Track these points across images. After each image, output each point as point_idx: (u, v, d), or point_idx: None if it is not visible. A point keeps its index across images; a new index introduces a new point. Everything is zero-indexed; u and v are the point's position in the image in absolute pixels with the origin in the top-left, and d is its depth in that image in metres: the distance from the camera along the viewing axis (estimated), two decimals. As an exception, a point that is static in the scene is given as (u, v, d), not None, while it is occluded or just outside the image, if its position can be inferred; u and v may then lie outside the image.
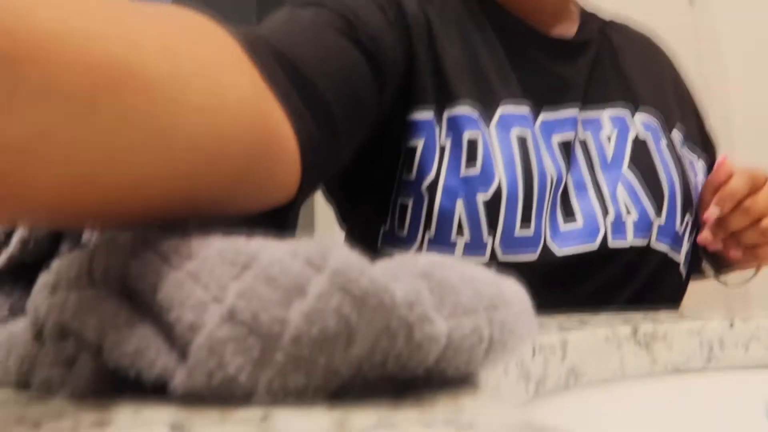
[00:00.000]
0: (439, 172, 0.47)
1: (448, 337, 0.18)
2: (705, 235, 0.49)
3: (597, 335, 0.37)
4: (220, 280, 0.17)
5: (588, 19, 0.55)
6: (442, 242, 0.46)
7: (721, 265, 0.57)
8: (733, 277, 0.56)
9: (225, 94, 0.22)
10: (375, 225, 0.51)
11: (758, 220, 0.47)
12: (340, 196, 0.55)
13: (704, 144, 0.60)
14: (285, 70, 0.31)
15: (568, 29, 0.54)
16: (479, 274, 0.20)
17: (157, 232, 0.20)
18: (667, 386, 0.40)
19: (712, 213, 0.48)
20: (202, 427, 0.16)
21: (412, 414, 0.17)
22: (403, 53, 0.45)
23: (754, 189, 0.48)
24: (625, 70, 0.55)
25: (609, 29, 0.58)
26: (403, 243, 0.49)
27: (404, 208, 0.48)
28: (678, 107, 0.57)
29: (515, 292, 0.21)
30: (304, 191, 0.31)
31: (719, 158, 0.51)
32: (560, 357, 0.36)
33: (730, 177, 0.49)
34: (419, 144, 0.47)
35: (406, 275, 0.18)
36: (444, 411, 0.17)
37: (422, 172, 0.47)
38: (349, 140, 0.38)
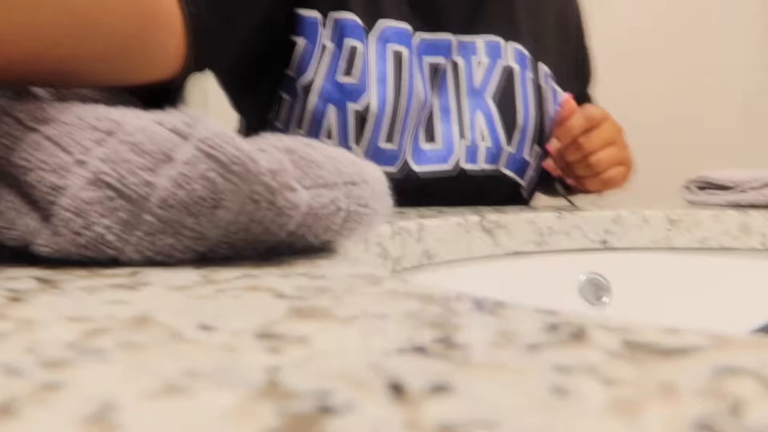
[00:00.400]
0: (317, 73, 0.48)
1: (308, 205, 0.20)
2: (548, 162, 0.54)
3: (450, 221, 0.42)
4: (82, 144, 0.17)
5: None
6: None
7: (568, 188, 0.63)
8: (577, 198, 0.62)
9: None
10: (263, 115, 0.52)
11: (588, 155, 0.51)
12: (231, 84, 0.54)
13: (579, 75, 0.65)
14: None
15: None
16: (342, 154, 0.23)
17: (11, 97, 0.20)
18: (505, 266, 0.47)
19: (552, 144, 0.53)
20: (71, 281, 0.17)
21: (273, 270, 0.19)
22: None
23: (589, 127, 0.51)
24: (510, 2, 0.56)
25: None
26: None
27: (283, 101, 0.50)
28: (555, 40, 0.59)
29: (374, 173, 0.24)
30: (187, 71, 0.32)
31: (563, 97, 0.54)
32: (416, 239, 0.40)
33: (571, 114, 0.52)
34: (301, 41, 0.47)
35: (272, 149, 0.20)
36: (301, 268, 0.20)
37: (300, 70, 0.48)
38: (239, 27, 0.39)
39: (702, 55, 1.82)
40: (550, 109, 0.57)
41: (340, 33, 0.47)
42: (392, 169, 0.51)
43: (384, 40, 0.48)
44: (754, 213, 0.48)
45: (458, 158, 0.52)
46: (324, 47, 0.47)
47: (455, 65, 0.52)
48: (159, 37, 0.27)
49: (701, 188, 0.58)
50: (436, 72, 0.51)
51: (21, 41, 0.19)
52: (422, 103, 0.50)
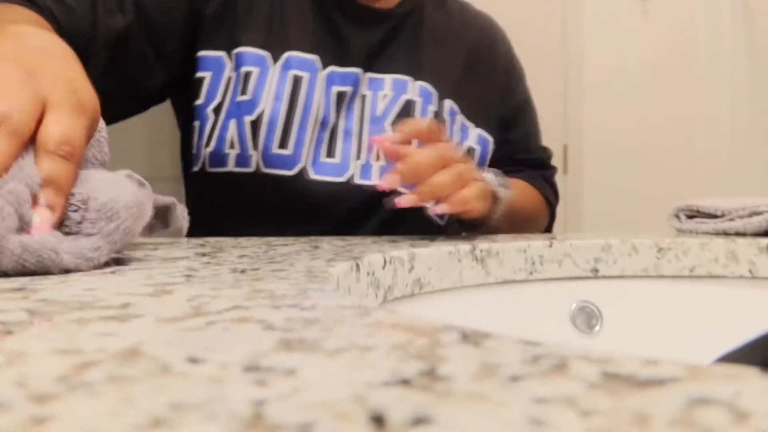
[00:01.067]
0: (224, 98, 0.58)
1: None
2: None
3: (441, 250, 0.43)
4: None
5: None
6: (218, 154, 0.58)
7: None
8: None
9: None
10: (185, 150, 0.63)
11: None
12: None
13: (499, 120, 0.68)
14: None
15: (389, 2, 0.61)
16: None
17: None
18: (497, 295, 0.47)
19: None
20: (62, 314, 0.17)
21: (264, 301, 0.19)
22: (189, 14, 0.57)
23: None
24: (423, 42, 0.62)
25: (433, 6, 0.65)
26: (193, 160, 0.60)
27: (194, 129, 0.59)
28: (467, 84, 0.64)
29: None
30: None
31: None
32: (408, 268, 0.40)
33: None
34: (207, 75, 0.58)
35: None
36: (292, 299, 0.20)
37: (209, 97, 0.58)
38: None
39: (691, 87, 1.86)
40: (456, 140, 0.63)
41: (238, 63, 0.57)
42: (288, 173, 0.57)
43: (287, 66, 0.57)
44: (741, 241, 0.49)
45: (353, 174, 0.59)
46: (229, 78, 0.58)
47: (363, 97, 0.60)
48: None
49: (690, 216, 0.59)
50: (341, 99, 0.59)
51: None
52: (319, 120, 0.58)
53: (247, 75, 0.57)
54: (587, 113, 1.85)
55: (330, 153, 0.58)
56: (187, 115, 0.60)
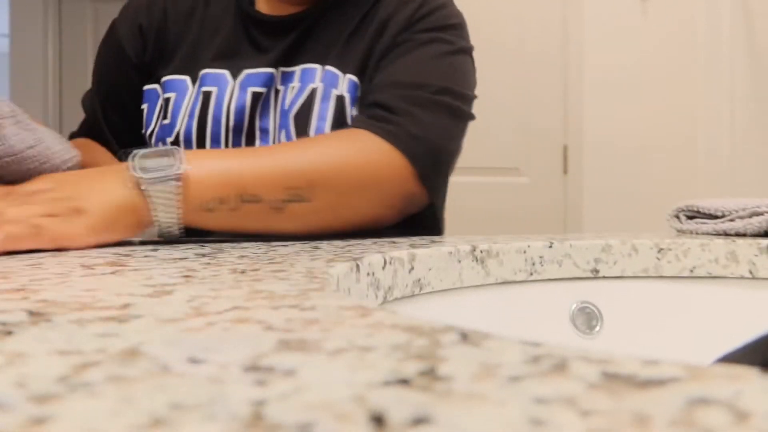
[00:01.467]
0: (157, 124, 0.62)
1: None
2: None
3: (441, 251, 0.43)
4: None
5: None
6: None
7: None
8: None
9: (384, 187, 0.48)
10: None
11: None
12: None
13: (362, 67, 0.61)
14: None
15: (294, 9, 0.61)
16: None
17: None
18: (497, 295, 0.47)
19: None
20: (62, 314, 0.17)
21: (264, 302, 0.19)
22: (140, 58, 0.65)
23: None
24: (326, 33, 0.61)
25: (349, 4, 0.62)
26: None
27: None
28: (354, 42, 0.60)
29: None
30: None
31: None
32: (408, 269, 0.40)
33: None
34: (145, 106, 0.63)
35: None
36: (292, 300, 0.20)
37: (147, 125, 0.63)
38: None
39: (691, 87, 1.86)
40: (348, 109, 0.59)
41: (164, 90, 0.62)
42: None
43: (200, 85, 0.61)
44: (741, 242, 0.49)
45: None
46: (159, 106, 0.63)
47: (277, 92, 0.59)
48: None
49: (690, 217, 0.59)
50: (257, 98, 0.59)
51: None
52: (231, 128, 0.60)
53: (167, 101, 0.62)
54: (587, 114, 1.85)
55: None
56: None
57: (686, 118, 1.88)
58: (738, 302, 0.48)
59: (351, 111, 0.58)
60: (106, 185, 0.42)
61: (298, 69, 0.59)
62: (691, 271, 0.48)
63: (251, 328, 0.15)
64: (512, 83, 1.80)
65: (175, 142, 0.60)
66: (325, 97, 0.57)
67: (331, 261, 0.32)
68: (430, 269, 0.42)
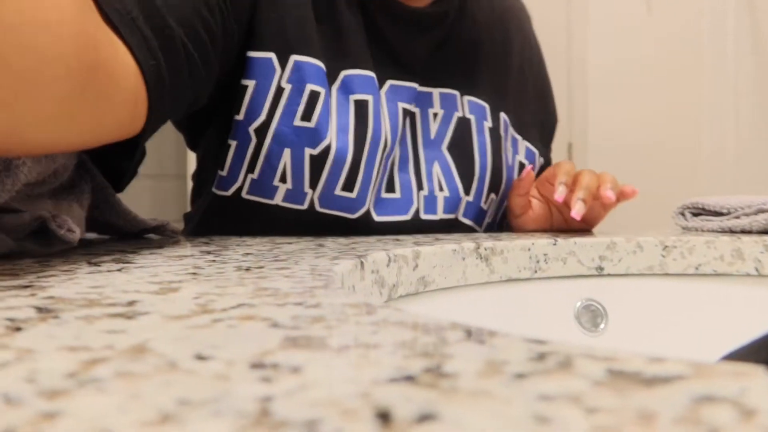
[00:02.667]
0: (272, 115, 0.46)
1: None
2: (578, 209, 0.49)
3: (445, 248, 0.43)
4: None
5: None
6: (264, 185, 0.48)
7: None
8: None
9: (44, 13, 0.21)
10: (211, 160, 0.52)
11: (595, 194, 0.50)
12: (186, 129, 0.55)
13: (541, 123, 0.64)
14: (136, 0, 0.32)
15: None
16: None
17: None
18: (501, 293, 0.47)
19: (561, 193, 0.50)
20: (70, 311, 0.17)
21: (269, 299, 0.19)
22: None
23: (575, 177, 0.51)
24: (473, 50, 0.55)
25: (473, 2, 0.56)
26: (224, 183, 0.50)
27: (230, 148, 0.48)
28: (516, 91, 0.59)
29: None
30: (151, 124, 0.33)
31: (525, 170, 0.54)
32: (412, 266, 0.40)
33: (530, 183, 0.53)
34: (251, 84, 0.46)
35: None
36: (297, 297, 0.20)
37: (251, 113, 0.47)
38: (201, 76, 0.39)
39: (695, 84, 1.85)
40: (509, 157, 0.57)
41: (300, 76, 0.46)
42: (350, 216, 0.49)
43: (345, 90, 0.48)
44: (746, 239, 0.48)
45: (417, 208, 0.52)
46: (280, 89, 0.46)
47: (413, 115, 0.52)
48: (109, 90, 0.27)
49: (695, 214, 0.59)
50: (406, 118, 0.51)
51: None
52: (388, 151, 0.50)
53: (314, 96, 0.46)
54: (592, 111, 1.84)
55: (390, 187, 0.51)
56: (219, 129, 0.49)
57: (691, 116, 1.87)
58: (744, 300, 0.48)
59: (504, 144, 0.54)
60: None
61: (435, 92, 0.52)
62: (697, 268, 0.48)
63: (257, 325, 0.15)
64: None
65: (320, 159, 0.46)
66: (480, 130, 0.53)
67: (336, 259, 0.33)
68: (434, 267, 0.42)
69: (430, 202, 0.52)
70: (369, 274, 0.36)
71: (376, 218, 0.51)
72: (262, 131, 0.47)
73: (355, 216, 0.50)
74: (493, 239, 0.47)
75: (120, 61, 0.29)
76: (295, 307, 0.18)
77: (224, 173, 0.50)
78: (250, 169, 0.48)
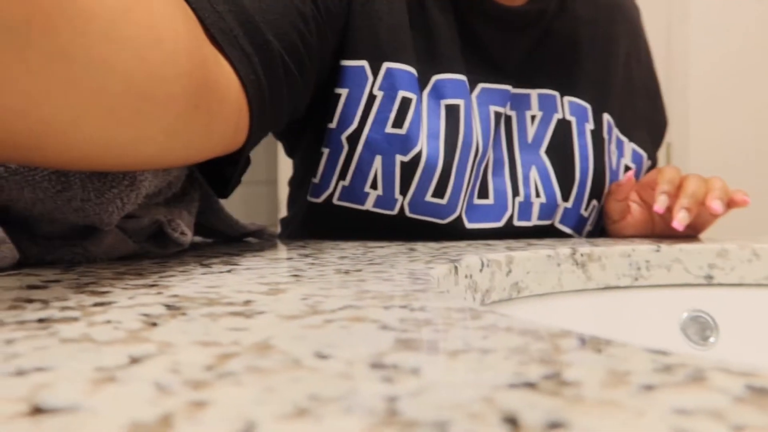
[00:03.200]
0: (364, 123, 0.47)
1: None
2: (680, 219, 0.46)
3: (539, 254, 0.41)
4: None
5: None
6: (355, 191, 0.49)
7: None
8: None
9: (159, 31, 0.22)
10: (305, 168, 0.53)
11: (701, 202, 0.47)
12: (284, 137, 0.57)
13: (651, 122, 0.61)
14: (235, 17, 0.33)
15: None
16: None
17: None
18: (599, 301, 0.45)
19: (661, 203, 0.47)
20: (195, 308, 0.18)
21: (373, 301, 0.20)
22: (343, 8, 0.46)
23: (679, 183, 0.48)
24: (573, 48, 0.53)
25: (580, 2, 0.54)
26: (316, 190, 0.51)
27: (322, 155, 0.50)
28: (622, 89, 0.56)
29: None
30: (253, 137, 0.34)
31: (626, 176, 0.51)
32: (506, 272, 0.40)
33: (630, 188, 0.51)
34: (344, 92, 0.47)
35: None
36: (399, 300, 0.20)
37: (344, 121, 0.48)
38: (300, 88, 0.40)
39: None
40: (613, 161, 0.54)
41: (392, 83, 0.46)
42: (440, 222, 0.49)
43: (436, 95, 0.48)
44: None
45: (510, 215, 0.51)
46: (372, 96, 0.47)
47: (509, 118, 0.51)
48: (217, 105, 0.28)
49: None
50: (498, 119, 0.50)
51: (91, 121, 0.20)
52: (480, 156, 0.49)
53: (406, 103, 0.46)
54: (692, 109, 1.72)
55: (483, 192, 0.50)
56: (313, 137, 0.50)
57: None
58: None
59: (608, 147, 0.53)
60: None
61: (533, 93, 0.51)
62: (824, 279, 0.44)
63: (367, 326, 0.16)
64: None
65: (411, 165, 0.46)
66: (581, 133, 0.51)
67: (430, 263, 0.33)
68: (528, 273, 0.41)
69: (525, 209, 0.51)
70: (462, 278, 0.35)
71: (468, 225, 0.50)
72: (354, 139, 0.48)
73: (446, 221, 0.49)
74: (590, 245, 0.46)
75: (225, 78, 0.30)
76: (401, 310, 0.18)
77: (317, 180, 0.51)
78: (342, 176, 0.49)
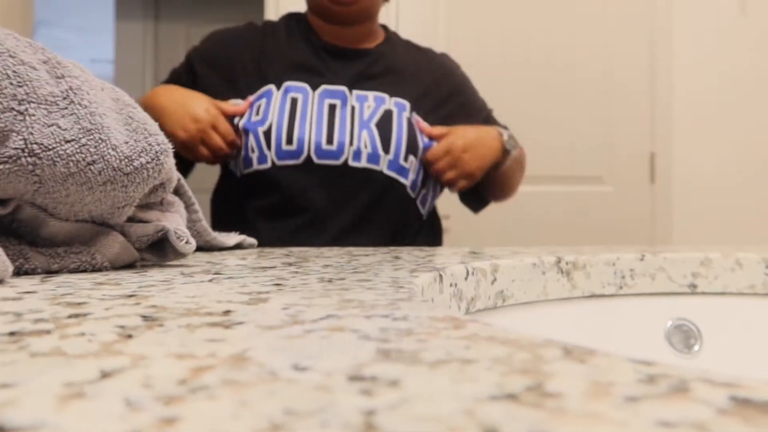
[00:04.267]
0: (243, 119, 0.79)
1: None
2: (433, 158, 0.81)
3: (524, 262, 0.41)
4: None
5: (390, 36, 0.89)
6: (246, 156, 0.78)
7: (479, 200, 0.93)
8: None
9: None
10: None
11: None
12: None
13: (463, 114, 0.88)
14: None
15: (369, 44, 0.86)
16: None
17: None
18: (584, 309, 0.45)
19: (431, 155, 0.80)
20: (172, 319, 0.18)
21: (354, 311, 0.20)
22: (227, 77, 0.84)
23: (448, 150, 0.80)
24: (396, 69, 0.85)
25: (397, 47, 0.88)
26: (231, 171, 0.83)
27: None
28: (433, 100, 0.86)
29: None
30: None
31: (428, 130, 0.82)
32: (491, 280, 0.40)
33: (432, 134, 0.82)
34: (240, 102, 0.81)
35: None
36: (382, 309, 0.20)
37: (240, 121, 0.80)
38: None
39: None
40: (418, 135, 0.82)
41: (258, 98, 0.80)
42: (297, 162, 0.77)
43: (286, 93, 0.79)
44: None
45: (346, 157, 0.77)
46: (252, 107, 0.80)
47: (353, 107, 0.80)
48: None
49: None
50: (333, 108, 0.79)
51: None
52: (316, 125, 0.78)
53: (259, 105, 0.79)
54: (677, 118, 1.75)
55: (329, 141, 0.78)
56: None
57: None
58: None
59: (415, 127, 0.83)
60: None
61: (371, 95, 0.81)
62: (805, 287, 0.44)
63: (348, 336, 0.16)
64: (594, 85, 1.74)
65: (267, 132, 0.77)
66: (399, 116, 0.81)
67: (414, 271, 0.32)
68: (513, 281, 0.41)
69: (356, 155, 0.78)
70: (447, 287, 0.35)
71: (316, 160, 0.77)
72: (242, 128, 0.82)
73: (300, 161, 0.77)
74: (575, 253, 0.46)
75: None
76: (382, 319, 0.18)
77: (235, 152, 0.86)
78: (240, 150, 0.82)
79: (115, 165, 0.29)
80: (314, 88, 0.79)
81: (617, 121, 1.73)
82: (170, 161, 0.31)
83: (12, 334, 0.15)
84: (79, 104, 0.28)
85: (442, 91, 0.88)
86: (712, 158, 1.74)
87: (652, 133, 1.74)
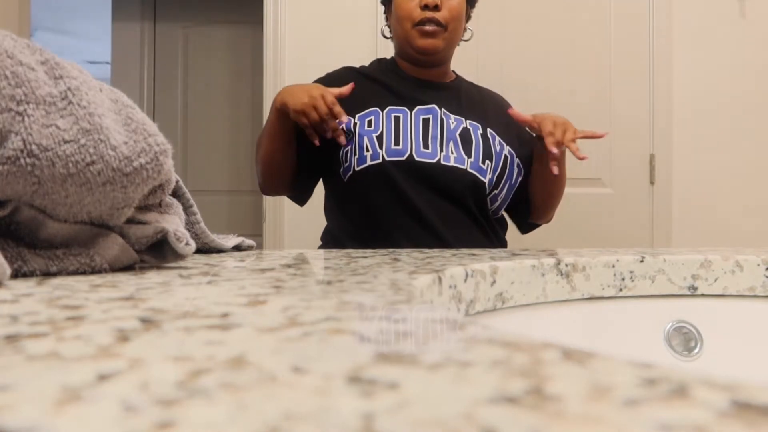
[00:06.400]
0: (359, 129, 1.01)
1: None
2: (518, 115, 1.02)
3: (524, 264, 0.41)
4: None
5: (458, 76, 1.13)
6: (361, 156, 0.98)
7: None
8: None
9: None
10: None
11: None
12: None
13: (518, 138, 1.09)
14: None
15: (445, 80, 1.10)
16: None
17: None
18: (583, 312, 0.45)
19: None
20: (170, 321, 0.18)
21: (353, 313, 0.20)
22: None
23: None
24: (467, 100, 1.08)
25: (464, 84, 1.12)
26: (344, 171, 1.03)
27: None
28: (497, 124, 1.06)
29: None
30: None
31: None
32: (490, 282, 0.40)
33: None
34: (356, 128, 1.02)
35: None
36: (380, 311, 0.20)
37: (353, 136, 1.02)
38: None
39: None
40: (496, 147, 1.02)
41: (365, 114, 1.00)
42: (401, 159, 0.96)
43: (389, 113, 1.00)
44: None
45: (439, 158, 0.98)
46: (363, 121, 1.02)
47: (442, 122, 1.01)
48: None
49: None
50: (426, 122, 1.01)
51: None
52: (414, 134, 0.99)
53: (370, 122, 1.00)
54: (676, 119, 1.75)
55: (425, 147, 0.99)
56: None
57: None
58: None
59: (494, 143, 1.03)
60: None
61: (452, 116, 1.03)
62: (805, 289, 0.44)
63: (347, 339, 0.16)
64: (593, 86, 1.74)
65: (379, 136, 0.98)
66: (475, 130, 1.03)
67: (413, 273, 0.32)
68: (512, 283, 0.41)
69: (446, 157, 0.98)
70: (447, 289, 0.35)
71: (416, 159, 0.97)
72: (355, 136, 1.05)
73: (404, 158, 0.96)
74: (574, 255, 0.46)
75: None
76: (380, 321, 0.18)
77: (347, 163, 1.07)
78: (353, 153, 1.03)
79: (115, 165, 0.28)
80: (411, 109, 1.02)
81: (617, 123, 1.73)
82: (169, 162, 0.31)
83: (9, 337, 0.15)
84: (78, 105, 0.28)
85: (501, 118, 1.10)
86: (712, 160, 1.74)
87: (652, 135, 1.74)
